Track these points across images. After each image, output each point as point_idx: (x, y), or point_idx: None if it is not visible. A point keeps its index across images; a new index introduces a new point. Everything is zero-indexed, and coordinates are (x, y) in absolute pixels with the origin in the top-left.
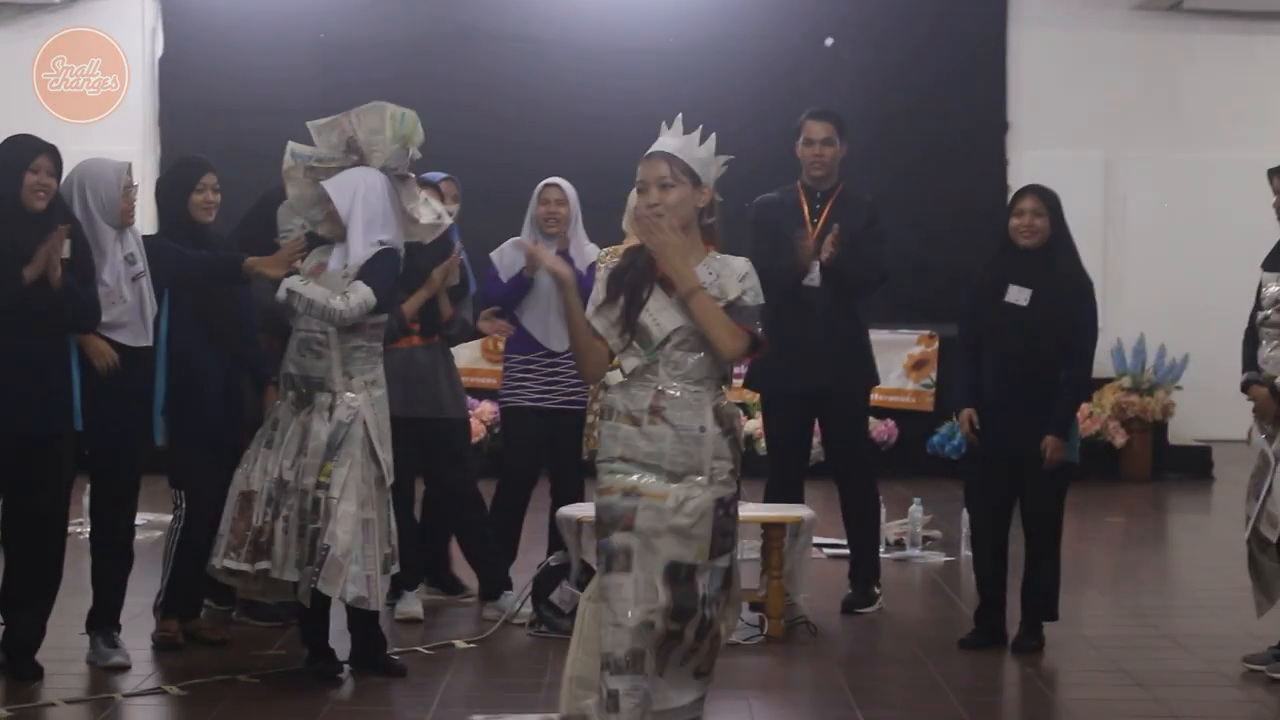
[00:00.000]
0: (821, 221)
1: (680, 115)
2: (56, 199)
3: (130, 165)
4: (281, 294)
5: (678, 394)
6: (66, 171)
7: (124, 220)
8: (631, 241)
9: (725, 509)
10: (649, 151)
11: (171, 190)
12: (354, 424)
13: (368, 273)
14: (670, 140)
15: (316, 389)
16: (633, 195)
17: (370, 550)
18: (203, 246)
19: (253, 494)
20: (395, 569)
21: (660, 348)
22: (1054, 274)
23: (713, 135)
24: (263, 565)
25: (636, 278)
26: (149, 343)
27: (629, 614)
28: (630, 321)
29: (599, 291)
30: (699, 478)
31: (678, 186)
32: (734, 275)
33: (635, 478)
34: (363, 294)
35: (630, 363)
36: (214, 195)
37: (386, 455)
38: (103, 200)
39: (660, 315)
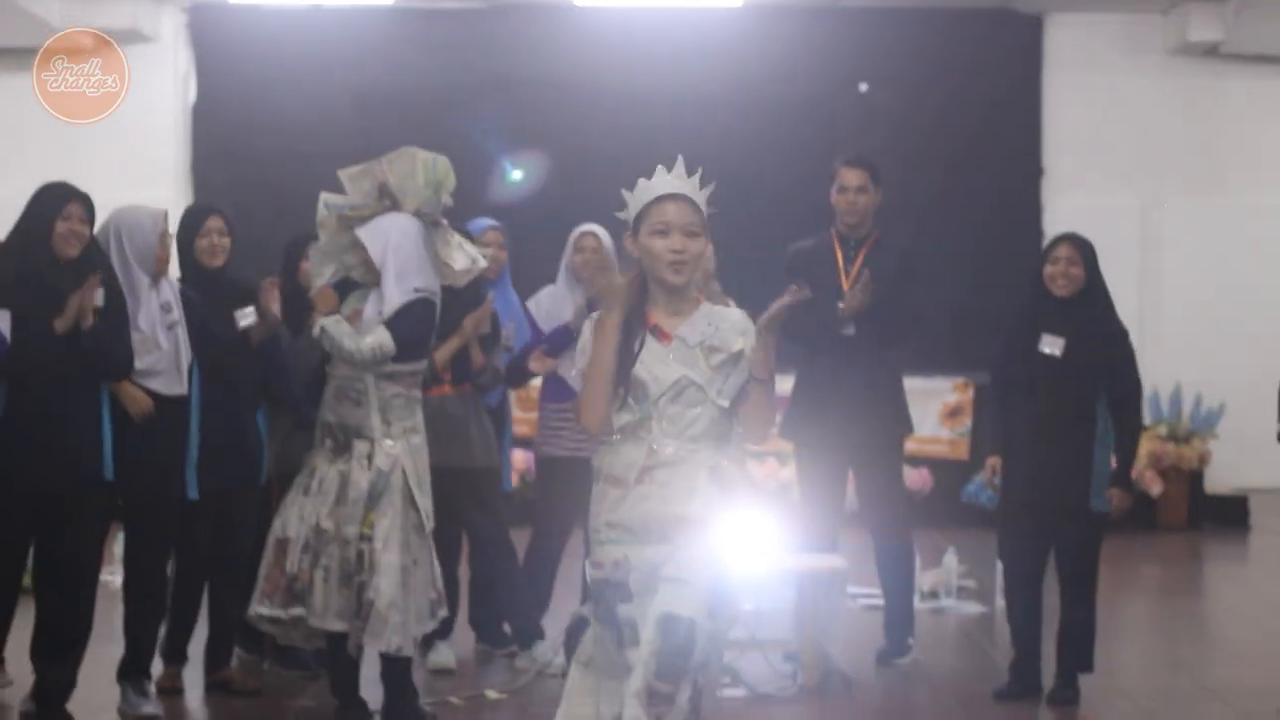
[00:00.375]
0: (855, 269)
1: (680, 157)
2: (91, 246)
3: (166, 213)
4: (316, 330)
5: (672, 451)
6: (101, 218)
7: (159, 268)
8: None
9: (721, 571)
10: (668, 191)
11: (179, 236)
12: (393, 472)
13: (397, 320)
14: (681, 182)
15: (355, 436)
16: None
17: (409, 599)
18: (213, 290)
19: (288, 540)
20: (443, 613)
21: (655, 402)
22: (1088, 324)
23: (711, 184)
24: (296, 611)
25: (627, 330)
26: (184, 391)
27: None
28: (624, 375)
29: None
30: (689, 534)
31: (699, 236)
32: (733, 328)
33: (623, 546)
34: (379, 338)
35: (622, 419)
36: (220, 239)
37: (426, 502)
38: (139, 248)
39: (656, 367)
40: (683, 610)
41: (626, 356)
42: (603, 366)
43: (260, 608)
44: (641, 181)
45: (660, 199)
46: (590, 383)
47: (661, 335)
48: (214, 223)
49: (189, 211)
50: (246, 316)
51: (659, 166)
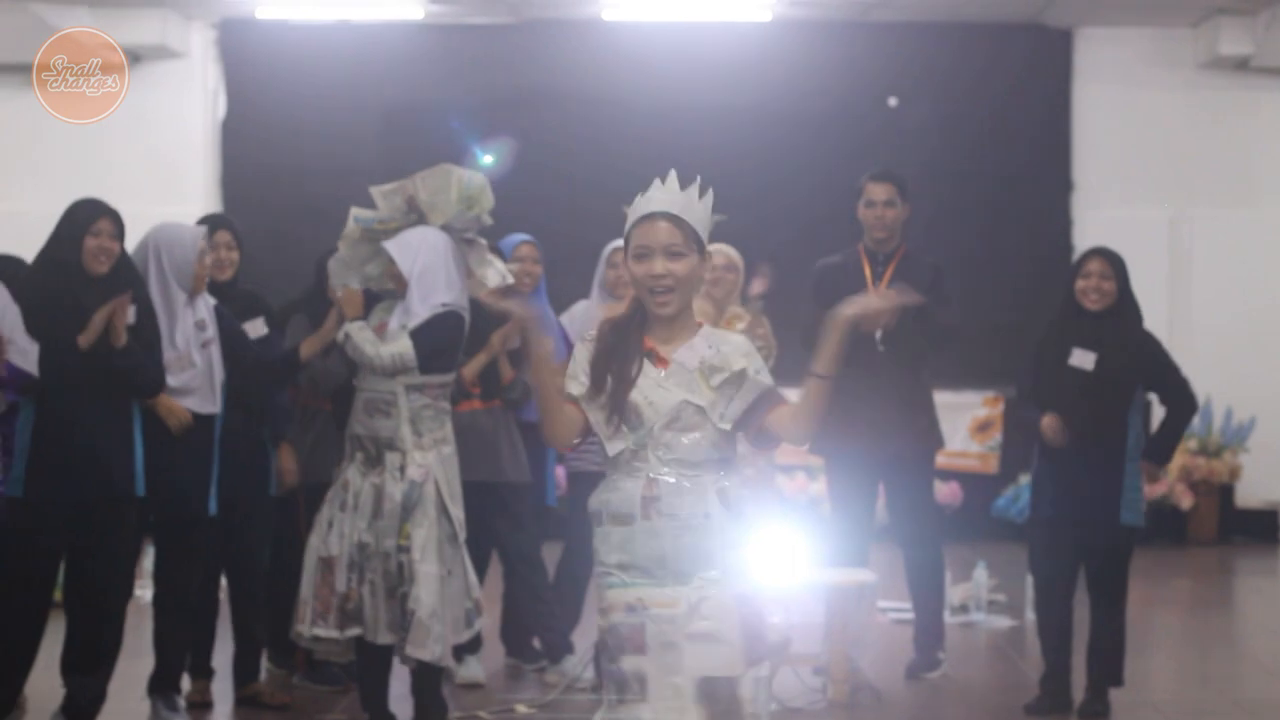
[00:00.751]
0: (884, 284)
1: (674, 171)
2: (122, 262)
3: (206, 231)
4: (341, 336)
5: (673, 480)
6: (134, 235)
7: (197, 286)
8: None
9: (751, 606)
10: (647, 211)
11: None
12: (426, 483)
13: (421, 331)
14: (667, 197)
15: (386, 449)
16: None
17: (446, 608)
18: (221, 303)
19: (333, 559)
20: (482, 621)
21: (650, 429)
22: (1119, 338)
23: (710, 191)
24: (354, 631)
25: (624, 355)
26: (216, 410)
27: None
28: (619, 402)
29: (583, 377)
30: (712, 572)
31: (688, 256)
32: (736, 350)
33: (638, 589)
34: (401, 346)
35: (615, 446)
36: (228, 253)
37: (458, 512)
38: (178, 265)
39: (653, 393)
40: (720, 670)
41: (623, 382)
42: (543, 389)
43: (315, 629)
44: (638, 199)
45: (645, 218)
46: (541, 407)
47: (658, 360)
48: (222, 236)
49: (198, 224)
50: (256, 329)
51: (655, 180)
